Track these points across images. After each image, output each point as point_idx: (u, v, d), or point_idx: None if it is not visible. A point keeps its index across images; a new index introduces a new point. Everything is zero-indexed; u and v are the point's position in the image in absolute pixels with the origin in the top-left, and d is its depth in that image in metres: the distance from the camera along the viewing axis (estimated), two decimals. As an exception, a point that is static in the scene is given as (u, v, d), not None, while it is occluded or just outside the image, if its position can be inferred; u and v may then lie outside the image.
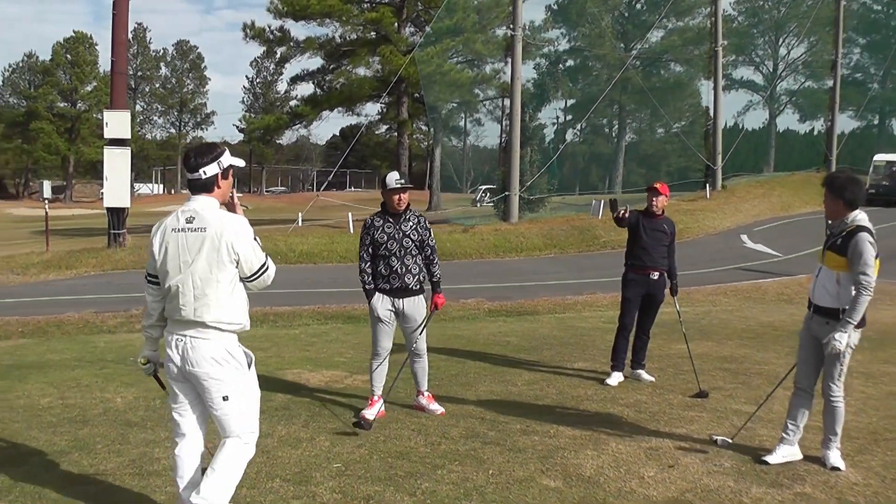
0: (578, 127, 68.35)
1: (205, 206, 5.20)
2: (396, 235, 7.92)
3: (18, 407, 8.80)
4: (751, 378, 9.84)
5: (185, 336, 5.14)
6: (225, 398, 5.18)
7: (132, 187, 29.16)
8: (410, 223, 8.03)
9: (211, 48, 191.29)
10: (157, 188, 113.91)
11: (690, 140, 56.31)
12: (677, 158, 69.85)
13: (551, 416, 8.09)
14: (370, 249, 8.00)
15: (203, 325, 5.11)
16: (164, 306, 5.29)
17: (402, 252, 7.94)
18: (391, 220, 7.99)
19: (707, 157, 45.67)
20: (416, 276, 8.02)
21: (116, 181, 27.17)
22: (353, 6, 46.96)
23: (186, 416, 5.33)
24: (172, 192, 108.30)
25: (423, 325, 8.15)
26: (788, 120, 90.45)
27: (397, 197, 7.93)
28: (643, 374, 10.00)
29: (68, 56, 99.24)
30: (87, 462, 6.75)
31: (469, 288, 19.65)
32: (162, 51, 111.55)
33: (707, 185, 43.35)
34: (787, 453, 6.73)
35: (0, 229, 58.12)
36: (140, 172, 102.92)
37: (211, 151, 5.26)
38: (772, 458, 6.69)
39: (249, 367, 5.38)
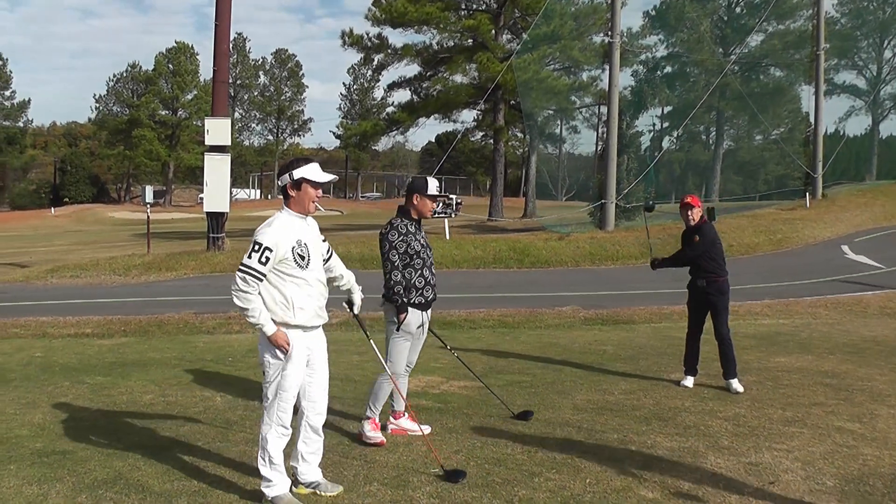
0: (675, 134, 67.73)
1: (279, 211, 5.91)
2: (425, 243, 7.55)
3: (121, 403, 9.06)
4: (853, 394, 9.59)
5: None
6: (263, 374, 5.89)
7: (230, 193, 29.61)
8: (423, 231, 7.66)
9: (310, 56, 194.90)
10: (255, 193, 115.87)
11: (789, 147, 55.42)
12: (775, 166, 68.71)
13: (648, 426, 8.01)
14: (402, 258, 7.39)
15: None
16: None
17: (430, 261, 7.62)
18: (418, 227, 7.56)
19: (807, 164, 44.81)
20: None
21: (216, 187, 27.73)
22: (450, 13, 47.14)
23: None
24: (269, 197, 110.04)
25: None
26: (892, 126, 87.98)
27: (433, 204, 7.59)
28: (734, 383, 9.81)
29: (170, 66, 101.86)
30: (188, 458, 6.90)
31: (565, 296, 19.58)
32: (261, 59, 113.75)
33: (807, 194, 42.53)
34: None
35: (102, 232, 59.78)
36: (238, 178, 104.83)
37: (290, 164, 5.87)
38: None
39: (285, 356, 5.76)
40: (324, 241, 6.12)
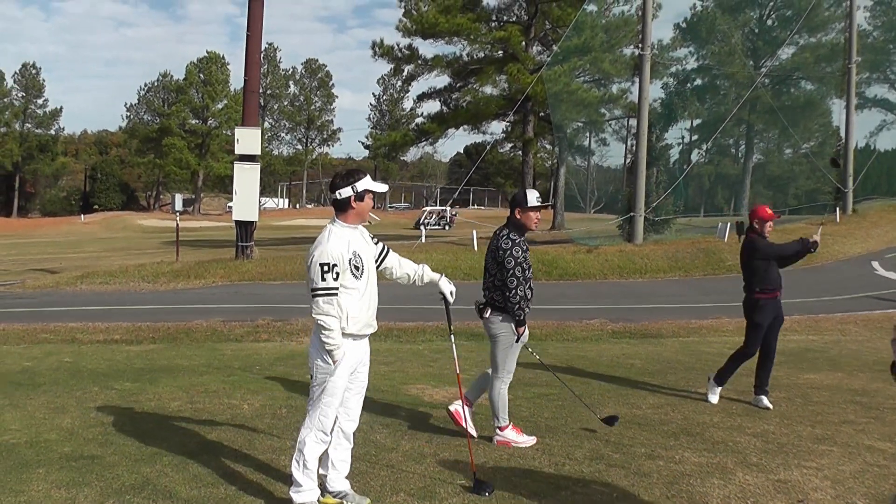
0: (705, 147, 67.38)
1: (329, 223, 5.96)
2: (529, 256, 7.70)
3: (149, 409, 9.11)
4: (884, 413, 9.49)
5: None
6: (311, 377, 5.98)
7: (259, 201, 29.77)
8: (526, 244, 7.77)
9: (342, 66, 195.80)
10: (283, 202, 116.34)
11: (820, 161, 55.02)
12: (806, 180, 68.27)
13: (676, 441, 7.97)
14: (523, 272, 7.56)
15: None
16: None
17: (531, 276, 7.77)
18: (524, 239, 7.69)
19: (837, 179, 44.48)
20: None
21: (245, 195, 27.88)
22: (481, 25, 47.19)
23: None
24: (297, 206, 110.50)
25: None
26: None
27: (537, 216, 7.71)
28: (764, 399, 9.72)
29: (201, 75, 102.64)
30: (216, 465, 6.94)
31: (593, 308, 19.56)
32: (291, 69, 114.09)
33: (837, 209, 42.22)
34: None
35: (132, 239, 60.19)
36: (266, 187, 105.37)
37: (349, 176, 5.88)
38: None
39: (333, 364, 5.85)
40: (376, 242, 6.20)
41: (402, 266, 6.33)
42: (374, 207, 6.04)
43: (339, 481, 6.14)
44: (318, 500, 5.94)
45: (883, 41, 68.98)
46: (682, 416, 9.07)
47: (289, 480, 5.93)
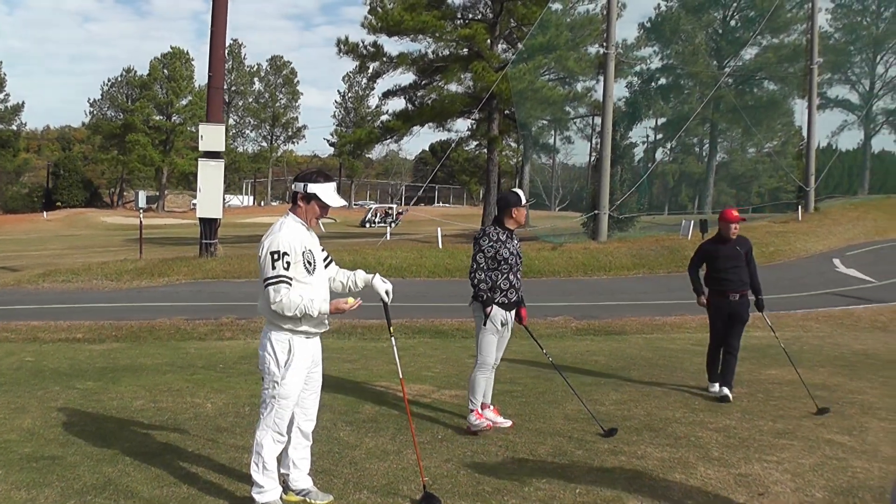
0: (669, 146, 67.82)
1: (283, 216, 5.86)
2: (514, 251, 8.17)
3: (112, 408, 9.05)
4: (843, 407, 9.60)
5: None
6: (262, 380, 5.88)
7: (224, 199, 29.61)
8: (516, 240, 8.28)
9: (308, 64, 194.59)
10: (248, 200, 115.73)
11: (783, 160, 55.57)
12: (769, 179, 68.98)
13: (639, 437, 8.02)
14: (489, 262, 8.05)
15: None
16: None
17: (517, 267, 8.21)
18: (510, 236, 8.18)
19: (800, 177, 44.88)
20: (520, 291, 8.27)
21: (209, 193, 27.73)
22: (446, 22, 47.08)
23: None
24: (262, 203, 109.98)
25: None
26: (885, 141, 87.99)
27: (524, 213, 8.24)
28: (725, 390, 9.96)
29: (165, 71, 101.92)
30: (178, 464, 6.90)
31: (557, 306, 19.61)
32: (256, 66, 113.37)
33: (799, 207, 42.61)
34: None
35: (95, 237, 59.66)
36: (231, 184, 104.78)
37: (311, 174, 5.86)
38: None
39: (286, 365, 5.77)
40: (322, 249, 6.11)
41: (338, 274, 6.24)
42: (322, 217, 5.90)
43: (301, 479, 6.12)
44: (281, 498, 5.92)
45: (844, 43, 69.79)
46: (645, 412, 9.12)
47: (251, 479, 5.91)
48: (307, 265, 5.71)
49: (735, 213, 10.15)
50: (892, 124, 73.14)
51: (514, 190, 8.45)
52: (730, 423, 8.68)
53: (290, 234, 5.68)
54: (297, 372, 5.80)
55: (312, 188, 5.74)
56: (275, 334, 5.75)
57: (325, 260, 6.09)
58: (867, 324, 18.34)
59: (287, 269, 5.58)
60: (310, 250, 5.77)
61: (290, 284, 5.59)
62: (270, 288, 5.56)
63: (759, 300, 10.23)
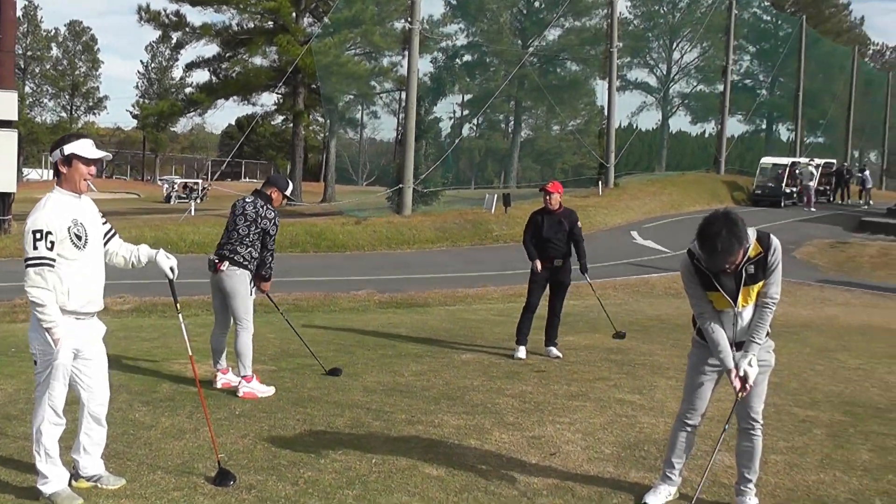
0: (475, 122, 68.70)
1: (49, 191, 5.59)
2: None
3: None
4: (635, 369, 9.97)
5: None
6: (34, 361, 5.59)
7: (20, 172, 28.35)
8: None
9: (114, 31, 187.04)
10: (47, 173, 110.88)
11: (585, 138, 57.09)
12: (572, 156, 70.67)
13: (437, 406, 8.07)
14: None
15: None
16: None
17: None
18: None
19: (601, 155, 46.21)
20: None
21: (2, 165, 26.34)
22: (251, -6, 46.36)
23: None
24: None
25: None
26: (681, 122, 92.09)
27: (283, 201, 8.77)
28: (553, 350, 10.65)
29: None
30: (-39, 455, 6.47)
31: (360, 280, 19.57)
32: (54, 31, 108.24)
33: (600, 183, 43.86)
34: None
35: None
36: (29, 157, 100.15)
37: (62, 140, 5.59)
38: None
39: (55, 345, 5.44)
40: (104, 222, 5.82)
41: (120, 249, 5.95)
42: (93, 175, 5.63)
43: (91, 465, 5.84)
44: (71, 485, 5.63)
45: (642, 29, 72.67)
46: (444, 382, 9.18)
47: (36, 469, 5.58)
48: (75, 239, 5.41)
49: (554, 185, 11.01)
50: (687, 107, 76.68)
51: (284, 177, 9.23)
52: (526, 389, 8.84)
53: (54, 209, 5.38)
54: (67, 353, 5.48)
55: (69, 148, 5.45)
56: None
57: (106, 234, 5.81)
58: (661, 291, 19.08)
59: (51, 248, 5.29)
60: (81, 223, 5.47)
61: (53, 266, 5.30)
62: (30, 269, 5.27)
63: (583, 264, 11.28)
